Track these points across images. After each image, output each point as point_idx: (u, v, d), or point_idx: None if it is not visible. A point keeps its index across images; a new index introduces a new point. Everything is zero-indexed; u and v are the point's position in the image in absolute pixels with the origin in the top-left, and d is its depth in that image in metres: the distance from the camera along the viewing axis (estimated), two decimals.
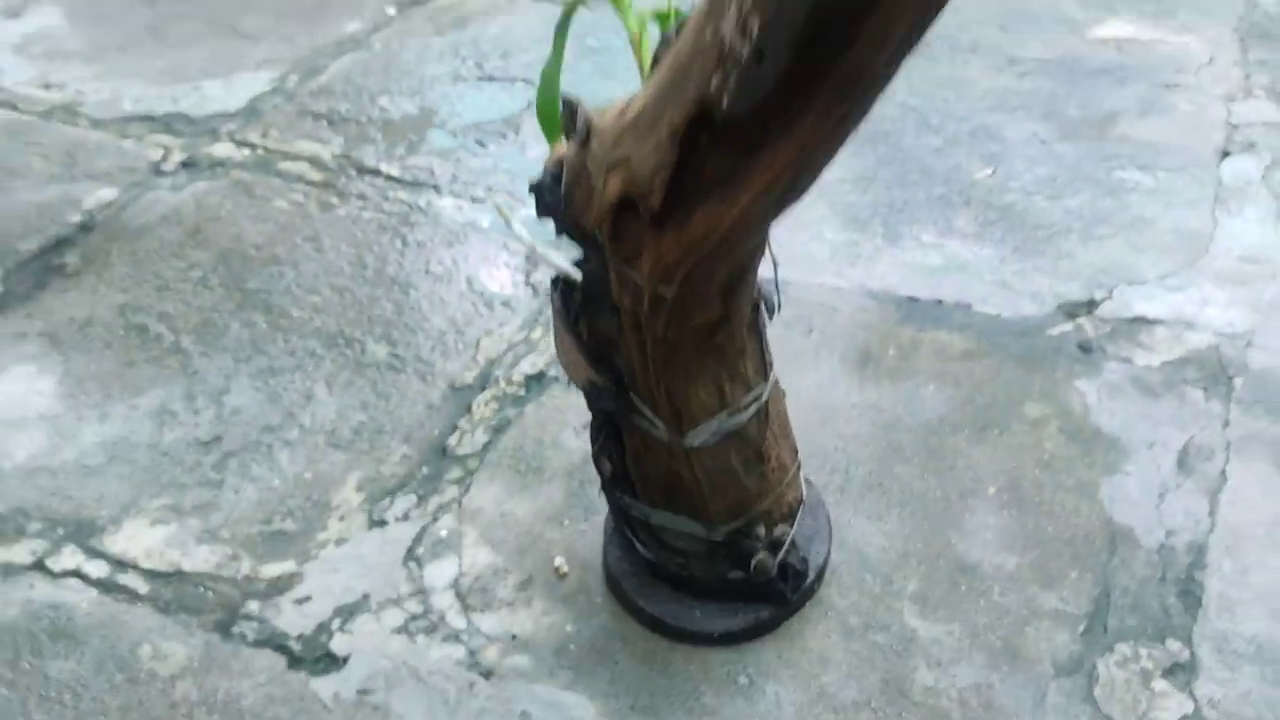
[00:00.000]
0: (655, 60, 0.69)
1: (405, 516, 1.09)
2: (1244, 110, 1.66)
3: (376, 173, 1.57)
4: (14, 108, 1.71)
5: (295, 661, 0.97)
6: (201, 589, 1.03)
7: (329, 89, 1.77)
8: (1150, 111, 1.66)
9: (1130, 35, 1.85)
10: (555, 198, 0.76)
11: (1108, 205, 1.48)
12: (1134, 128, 1.62)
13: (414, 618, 1.00)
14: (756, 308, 0.84)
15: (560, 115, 0.72)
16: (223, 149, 1.62)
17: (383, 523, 1.08)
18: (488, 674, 0.95)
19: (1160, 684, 0.93)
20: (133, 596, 1.02)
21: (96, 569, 1.04)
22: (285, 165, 1.59)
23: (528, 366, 1.26)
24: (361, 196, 1.53)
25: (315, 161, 1.60)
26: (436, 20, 1.95)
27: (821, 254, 1.41)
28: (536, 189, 0.78)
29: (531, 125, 1.65)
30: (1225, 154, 1.56)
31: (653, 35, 1.10)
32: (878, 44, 0.57)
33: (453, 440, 1.17)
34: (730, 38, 0.57)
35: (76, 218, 1.49)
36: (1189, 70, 1.75)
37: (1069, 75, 1.74)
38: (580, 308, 0.82)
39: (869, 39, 0.56)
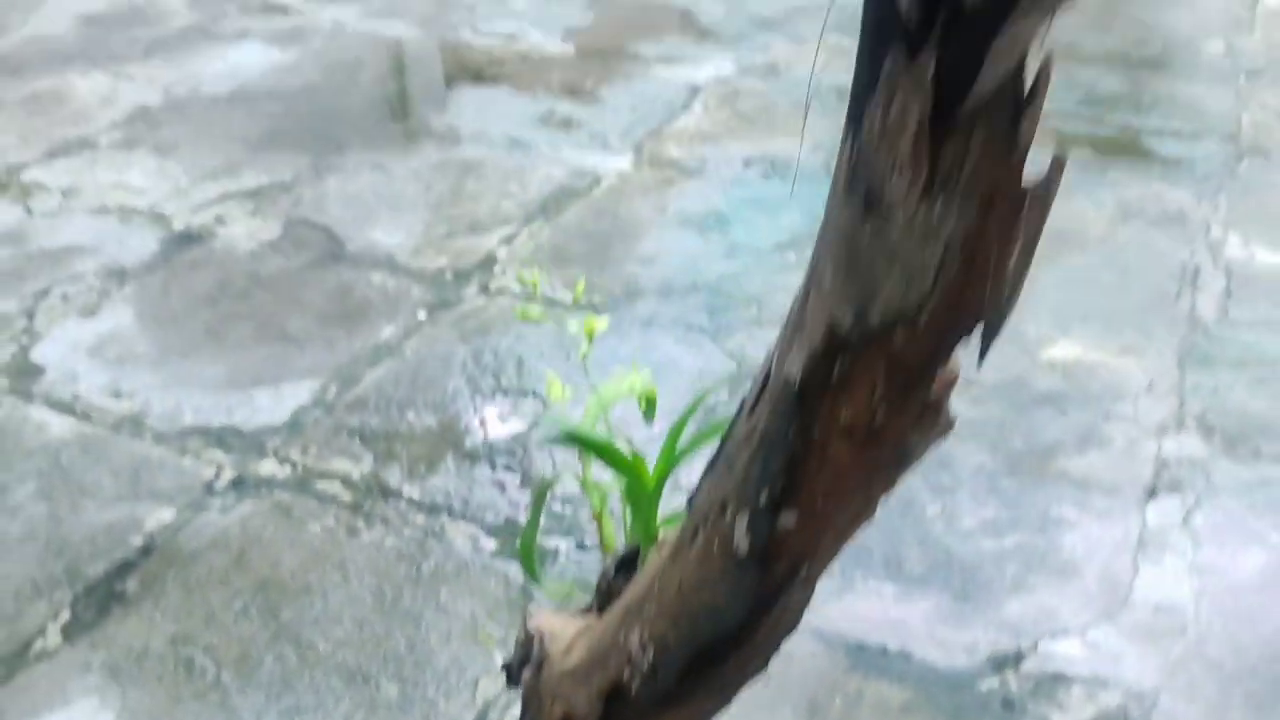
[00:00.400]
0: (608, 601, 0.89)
1: None
2: (1174, 445, 1.85)
3: (398, 495, 1.80)
4: (88, 418, 1.96)
5: None
6: None
7: (363, 401, 2.00)
8: (1088, 444, 1.85)
9: (1077, 357, 2.06)
10: (520, 679, 0.96)
11: (1042, 547, 1.66)
12: (1072, 462, 1.82)
13: None
14: None
15: (517, 646, 0.93)
16: (268, 466, 1.85)
17: None
18: None
19: None
20: None
21: None
22: (321, 485, 1.82)
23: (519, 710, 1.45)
24: (385, 521, 1.75)
25: (347, 481, 1.82)
26: (461, 327, 2.20)
27: None
28: (507, 669, 0.98)
29: (534, 451, 1.87)
30: (1152, 493, 1.75)
31: (614, 510, 1.32)
32: (760, 649, 0.77)
33: None
34: (634, 651, 0.78)
35: (139, 540, 1.71)
36: (1128, 397, 1.95)
37: (1017, 402, 1.95)
38: None
39: (752, 648, 0.76)
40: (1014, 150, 0.47)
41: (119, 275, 2.34)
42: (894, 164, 0.47)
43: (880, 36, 0.45)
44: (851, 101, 0.48)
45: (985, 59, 0.42)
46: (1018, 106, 0.46)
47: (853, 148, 0.49)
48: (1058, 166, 0.50)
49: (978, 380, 2.00)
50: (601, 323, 1.20)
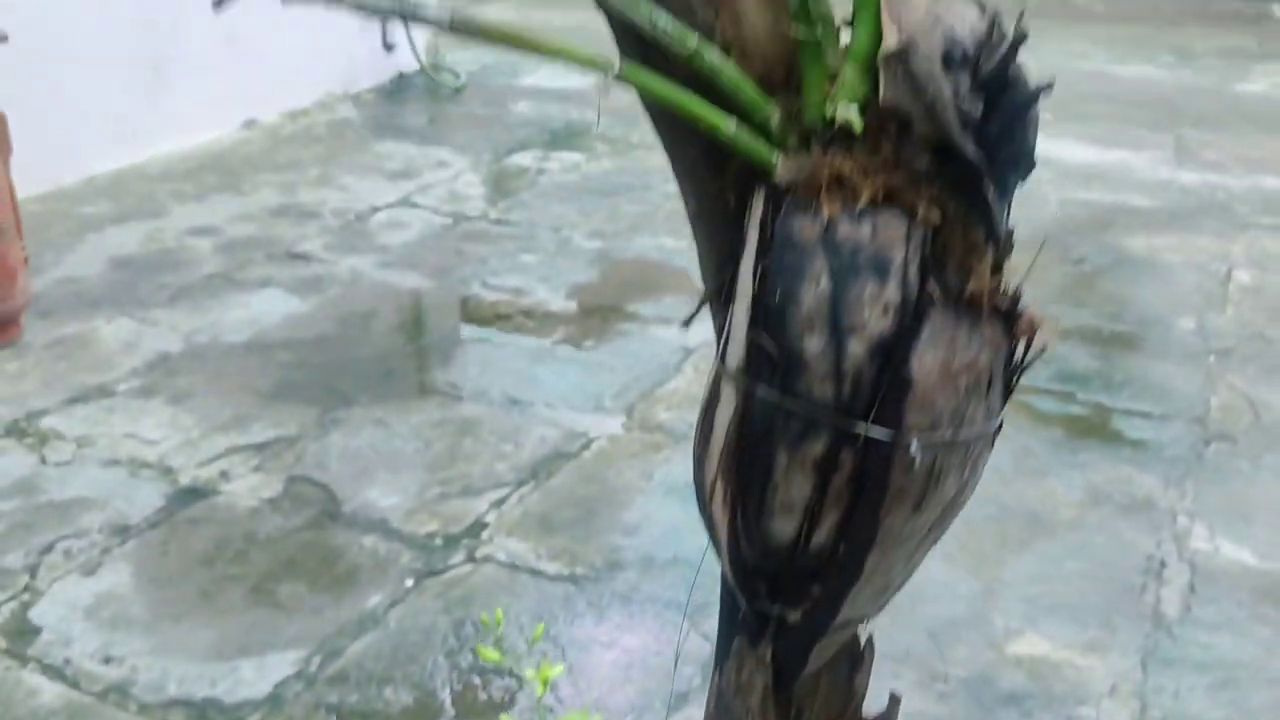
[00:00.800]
0: None
1: None
2: None
3: None
4: (77, 686, 2.02)
5: None
6: None
7: (344, 675, 2.06)
8: None
9: (1043, 654, 2.11)
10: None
11: None
12: None
13: None
14: None
15: None
16: None
17: None
18: None
19: None
20: None
21: None
22: None
23: None
24: None
25: None
26: (446, 596, 2.27)
27: None
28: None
29: None
30: None
31: None
32: None
33: None
34: None
35: None
36: (1090, 700, 1.99)
37: (983, 701, 1.99)
38: None
39: None
40: (850, 699, 0.56)
41: (122, 532, 2.43)
42: (747, 711, 0.56)
43: (730, 619, 0.54)
44: (716, 648, 0.57)
45: (811, 653, 0.51)
46: (854, 663, 0.55)
47: (716, 685, 0.57)
48: (894, 703, 0.59)
49: (945, 674, 2.04)
50: (556, 670, 1.27)
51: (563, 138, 5.03)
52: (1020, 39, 0.55)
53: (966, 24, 0.53)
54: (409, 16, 0.55)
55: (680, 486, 2.63)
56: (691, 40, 0.53)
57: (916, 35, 0.50)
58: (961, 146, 0.54)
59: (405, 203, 4.27)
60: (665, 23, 0.53)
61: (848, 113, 0.54)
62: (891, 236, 0.54)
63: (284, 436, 2.79)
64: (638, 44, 0.59)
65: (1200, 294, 3.60)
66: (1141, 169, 4.72)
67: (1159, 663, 2.08)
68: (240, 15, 4.85)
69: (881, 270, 0.54)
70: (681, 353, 3.22)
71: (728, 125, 0.55)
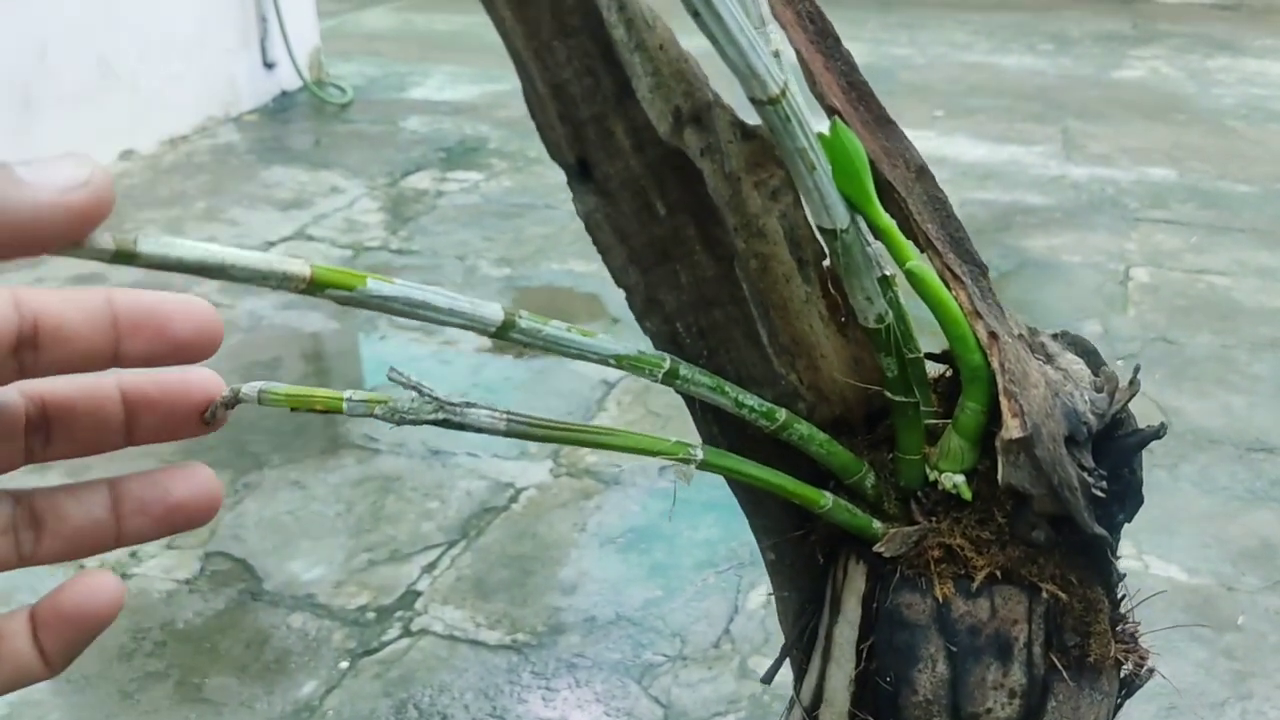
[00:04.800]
0: None
1: None
2: None
3: None
4: None
5: None
6: None
7: None
8: None
9: None
10: None
11: None
12: None
13: None
14: None
15: None
16: None
17: None
18: None
19: None
20: None
21: None
22: None
23: None
24: None
25: None
26: (385, 677, 2.19)
27: None
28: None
29: None
30: None
31: None
32: None
33: None
34: None
35: None
36: None
37: None
38: None
39: None
40: None
41: None
42: None
43: None
44: None
45: None
46: None
47: None
48: None
49: None
50: None
51: (458, 155, 4.91)
52: (1135, 392, 0.52)
53: (1087, 396, 0.49)
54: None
55: (614, 537, 2.59)
56: (780, 414, 0.48)
57: (1039, 420, 0.46)
58: (1088, 526, 0.50)
59: (301, 235, 4.13)
60: (752, 401, 0.48)
61: (955, 483, 0.50)
62: (1012, 614, 0.50)
63: None
64: (717, 419, 0.53)
65: (1101, 296, 3.68)
66: (1033, 165, 4.80)
67: None
68: (112, 37, 4.64)
69: (1004, 651, 0.50)
70: (603, 388, 3.17)
71: (825, 500, 0.50)
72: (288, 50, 5.35)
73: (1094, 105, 5.55)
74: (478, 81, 5.85)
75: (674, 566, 2.49)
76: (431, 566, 2.48)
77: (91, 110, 4.52)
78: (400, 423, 0.45)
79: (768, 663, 2.25)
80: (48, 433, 0.47)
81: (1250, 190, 4.53)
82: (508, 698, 2.14)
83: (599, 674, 2.20)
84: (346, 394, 0.45)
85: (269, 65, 5.41)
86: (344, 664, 2.22)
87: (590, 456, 2.87)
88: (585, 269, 3.80)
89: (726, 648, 2.26)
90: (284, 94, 5.51)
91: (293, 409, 0.46)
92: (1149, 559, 2.48)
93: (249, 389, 0.46)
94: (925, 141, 4.79)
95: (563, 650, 2.26)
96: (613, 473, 2.80)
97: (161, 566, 2.47)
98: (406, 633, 2.30)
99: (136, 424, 0.47)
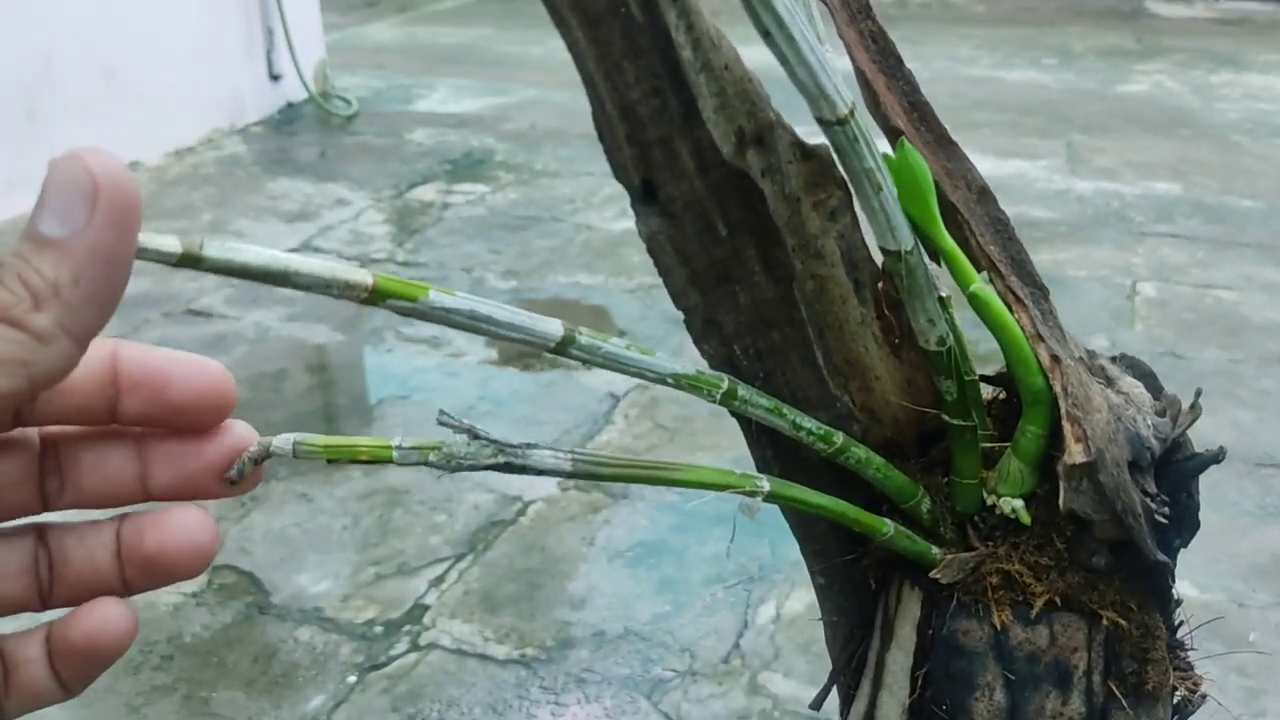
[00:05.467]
0: None
1: None
2: None
3: None
4: None
5: None
6: None
7: None
8: None
9: None
10: None
11: None
12: None
13: None
14: None
15: None
16: None
17: None
18: None
19: None
20: None
21: None
22: None
23: None
24: None
25: None
26: (393, 692, 2.18)
27: None
28: None
29: None
30: None
31: None
32: None
33: None
34: None
35: None
36: None
37: None
38: None
39: None
40: None
41: None
42: None
43: None
44: None
45: None
46: None
47: None
48: None
49: None
50: None
51: (464, 168, 4.92)
52: (1197, 416, 0.51)
53: (1149, 420, 0.49)
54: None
55: (623, 551, 2.57)
56: (838, 438, 0.47)
57: (1103, 445, 0.45)
58: (1151, 552, 0.49)
59: (307, 247, 4.12)
60: (810, 424, 0.47)
61: (1014, 507, 0.49)
62: (1072, 642, 0.49)
63: None
64: (771, 442, 0.53)
65: (1108, 310, 3.67)
66: (1038, 179, 4.81)
67: None
68: (117, 48, 4.64)
69: (1063, 680, 0.49)
70: (610, 400, 3.16)
71: (887, 528, 0.49)
72: (293, 62, 5.36)
73: (1098, 119, 5.56)
74: (483, 94, 5.85)
75: (683, 581, 2.48)
76: (439, 580, 2.47)
77: (96, 121, 4.52)
78: (456, 469, 0.44)
79: (778, 678, 2.24)
80: (60, 478, 0.44)
81: (1255, 205, 4.53)
82: (516, 713, 2.13)
83: (608, 689, 2.19)
84: (395, 441, 0.43)
85: (275, 77, 5.41)
86: (351, 678, 2.21)
87: None
88: (592, 281, 3.80)
89: (736, 663, 2.25)
90: (289, 106, 5.52)
91: (330, 460, 0.43)
92: None
93: (281, 441, 0.44)
94: None
95: (571, 665, 2.24)
96: (621, 488, 2.79)
97: None
98: (414, 647, 2.29)
99: (151, 477, 0.44)
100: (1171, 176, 4.81)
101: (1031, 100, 5.87)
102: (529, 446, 0.44)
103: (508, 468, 0.43)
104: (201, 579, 2.46)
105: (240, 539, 2.59)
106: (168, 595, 2.41)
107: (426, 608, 2.39)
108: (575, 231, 4.14)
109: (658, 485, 0.48)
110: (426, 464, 0.43)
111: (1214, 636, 2.30)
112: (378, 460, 0.42)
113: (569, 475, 0.45)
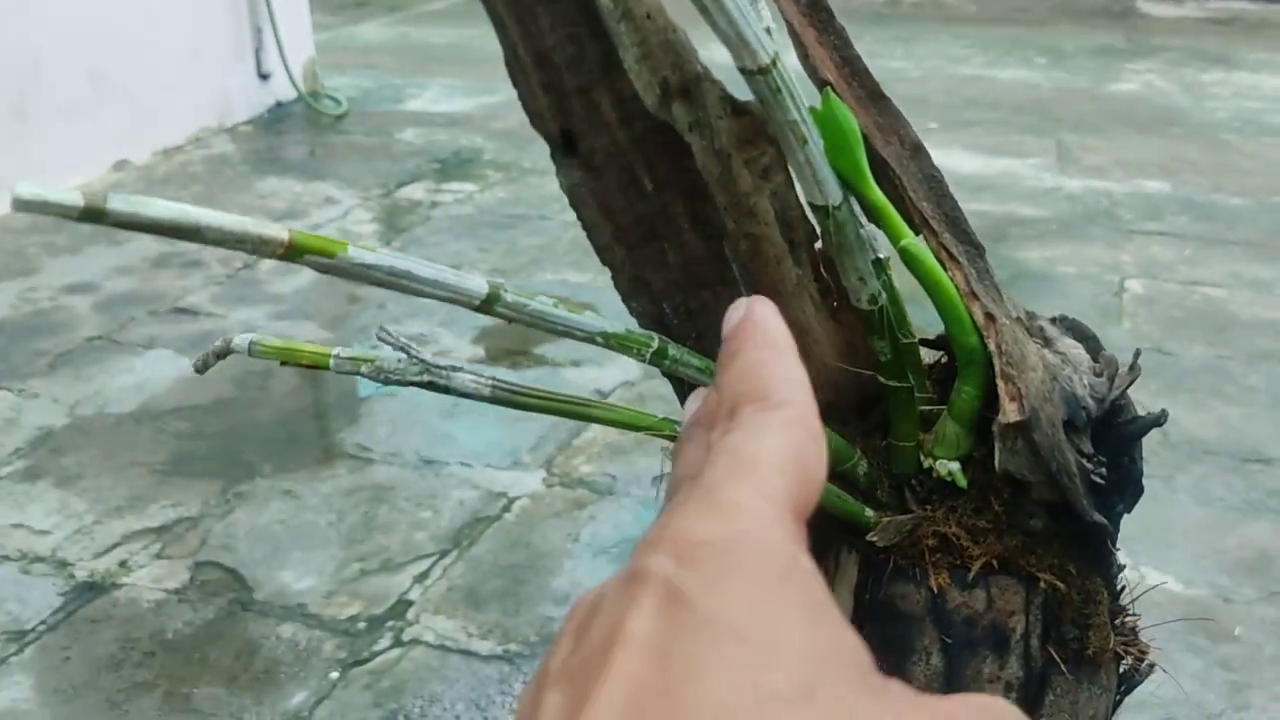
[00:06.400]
0: None
1: None
2: None
3: None
4: None
5: None
6: None
7: None
8: None
9: None
10: None
11: None
12: None
13: None
14: None
15: None
16: None
17: None
18: None
19: None
20: None
21: None
22: None
23: None
24: None
25: None
26: (375, 688, 2.17)
27: None
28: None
29: None
30: None
31: None
32: None
33: None
34: None
35: None
36: None
37: None
38: None
39: None
40: None
41: (19, 638, 2.27)
42: None
43: None
44: None
45: None
46: None
47: None
48: None
49: None
50: None
51: (453, 166, 4.91)
52: (1135, 377, 0.50)
53: (1086, 380, 0.48)
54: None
55: (608, 546, 2.57)
56: None
57: (1037, 404, 0.45)
58: (1087, 513, 0.48)
59: None
60: None
61: (950, 470, 0.49)
62: (1009, 605, 0.49)
63: (185, 517, 2.64)
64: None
65: (1096, 307, 3.67)
66: (1027, 177, 4.80)
67: None
68: (106, 49, 4.63)
69: (1000, 644, 0.48)
70: (596, 397, 3.15)
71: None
72: (283, 61, 5.35)
73: (1088, 118, 5.56)
74: (472, 94, 5.84)
75: None
76: (423, 576, 2.46)
77: (86, 121, 4.51)
78: (386, 382, 0.44)
79: None
80: None
81: (1244, 203, 4.53)
82: (499, 708, 2.12)
83: None
84: (334, 350, 0.44)
85: (264, 76, 5.40)
86: (334, 674, 2.20)
87: (584, 466, 2.85)
88: (580, 279, 3.79)
89: None
90: (279, 105, 5.51)
91: (282, 362, 0.45)
92: (1145, 570, 2.46)
93: (240, 340, 0.46)
94: None
95: None
96: (606, 483, 2.78)
97: (151, 576, 2.45)
98: (398, 643, 2.28)
99: None
100: (1161, 175, 4.81)
101: (1022, 99, 5.87)
102: (453, 368, 0.45)
103: (432, 385, 0.44)
104: (184, 575, 2.45)
105: (224, 535, 2.58)
106: (150, 592, 2.40)
107: (410, 604, 2.39)
108: (563, 229, 4.14)
109: (576, 420, 0.48)
110: (359, 374, 0.45)
111: (1199, 631, 2.29)
112: (317, 365, 0.45)
113: (488, 399, 0.46)
